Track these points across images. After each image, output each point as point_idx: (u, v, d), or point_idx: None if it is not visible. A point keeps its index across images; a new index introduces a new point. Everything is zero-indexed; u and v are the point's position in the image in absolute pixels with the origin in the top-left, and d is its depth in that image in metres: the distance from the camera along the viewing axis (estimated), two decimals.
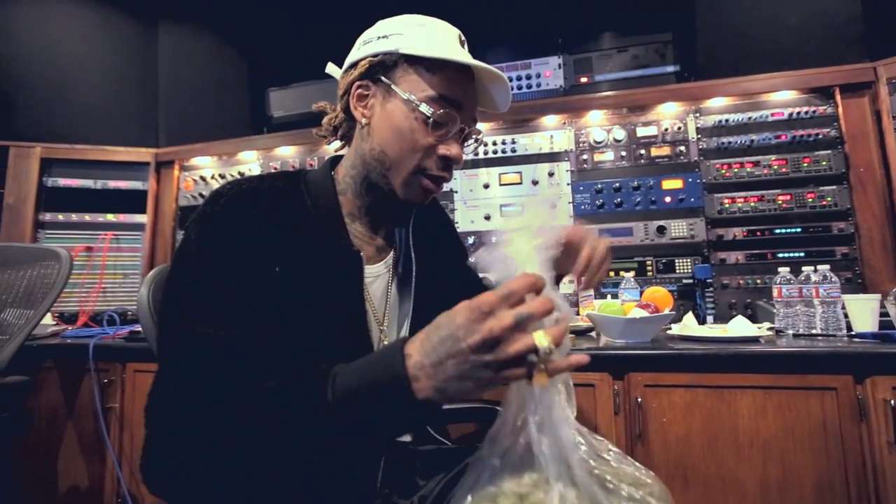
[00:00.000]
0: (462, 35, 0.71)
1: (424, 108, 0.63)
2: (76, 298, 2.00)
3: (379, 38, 0.67)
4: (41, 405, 1.54)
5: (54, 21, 2.19)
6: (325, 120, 0.76)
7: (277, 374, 0.50)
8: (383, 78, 0.66)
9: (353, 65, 0.69)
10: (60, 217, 2.09)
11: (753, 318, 1.50)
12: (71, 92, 2.19)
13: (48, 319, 1.80)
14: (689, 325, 1.23)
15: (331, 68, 0.75)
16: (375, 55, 0.66)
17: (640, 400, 1.08)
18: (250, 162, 2.16)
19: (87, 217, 2.11)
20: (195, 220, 0.60)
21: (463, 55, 0.66)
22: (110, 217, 2.13)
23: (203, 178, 2.19)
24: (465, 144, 0.70)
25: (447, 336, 0.44)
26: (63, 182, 2.11)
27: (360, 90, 0.68)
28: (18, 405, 1.22)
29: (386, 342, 0.68)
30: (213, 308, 0.54)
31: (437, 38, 0.66)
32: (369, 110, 0.68)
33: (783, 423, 1.02)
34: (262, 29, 2.39)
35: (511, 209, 1.86)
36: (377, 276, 0.71)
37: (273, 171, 1.95)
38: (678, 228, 1.72)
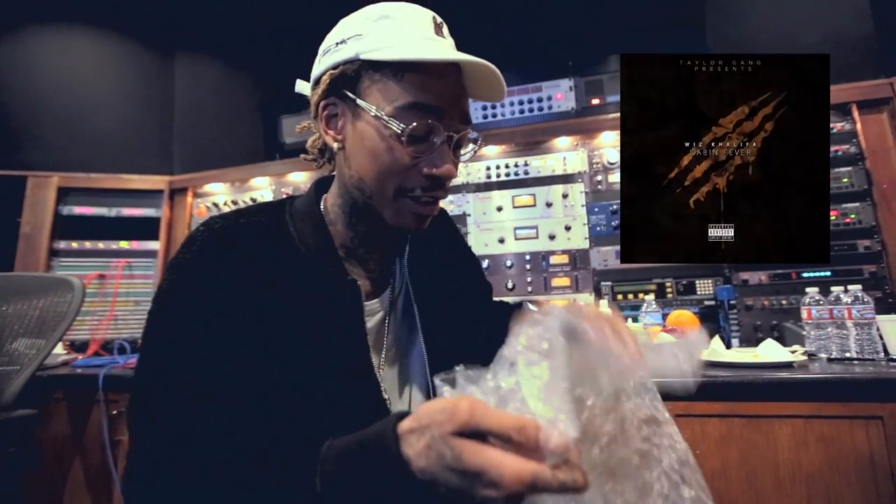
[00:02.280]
0: (438, 17, 0.59)
1: (394, 123, 0.53)
2: (87, 326, 1.98)
3: (337, 44, 0.57)
4: (49, 437, 1.51)
5: (72, 52, 2.25)
6: (309, 143, 0.67)
7: (261, 457, 0.44)
8: (348, 93, 0.56)
9: (317, 81, 0.59)
10: (74, 245, 2.10)
11: (781, 341, 1.44)
12: (88, 121, 2.23)
13: (59, 349, 1.79)
14: (717, 350, 1.18)
15: (300, 86, 0.65)
16: (335, 67, 0.56)
17: None
18: (263, 188, 2.17)
19: (101, 244, 2.12)
20: (168, 269, 0.53)
21: (436, 47, 0.55)
22: (123, 244, 2.14)
23: (216, 205, 2.20)
24: (462, 152, 0.60)
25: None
26: (78, 210, 2.13)
27: (327, 111, 0.59)
28: (26, 440, 1.19)
29: (383, 386, 0.59)
30: (190, 375, 0.47)
31: (404, 32, 0.55)
32: (341, 133, 0.58)
33: (826, 456, 0.96)
34: (274, 57, 2.44)
35: (524, 231, 1.83)
36: (374, 314, 0.63)
37: (277, 197, 1.95)
38: None
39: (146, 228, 2.18)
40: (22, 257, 2.01)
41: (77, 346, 1.93)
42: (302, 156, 0.68)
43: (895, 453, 0.94)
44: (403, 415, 0.39)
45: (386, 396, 0.59)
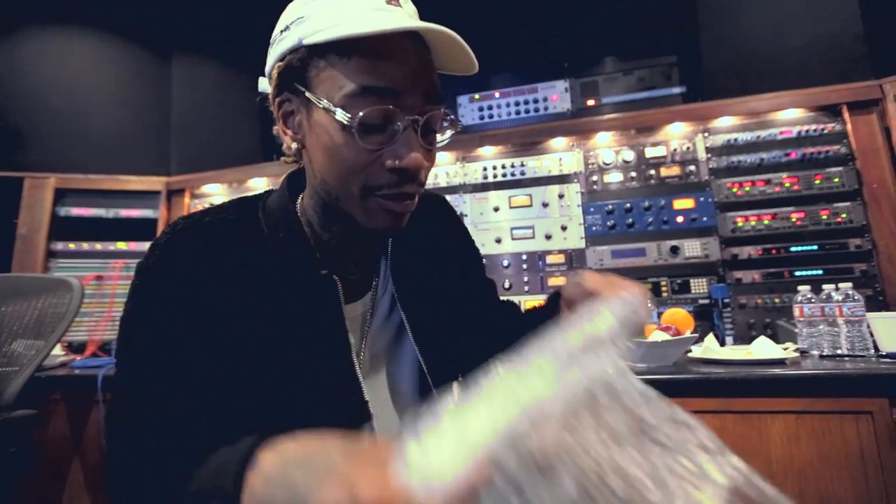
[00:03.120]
0: None
1: (342, 114, 0.46)
2: (85, 327, 1.98)
3: (282, 31, 0.51)
4: (48, 438, 1.51)
5: (69, 53, 2.25)
6: (284, 144, 0.59)
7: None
8: (297, 86, 0.50)
9: (270, 76, 0.54)
10: (72, 246, 2.10)
11: (775, 339, 1.46)
12: (85, 123, 2.23)
13: (57, 350, 1.78)
14: (711, 348, 1.20)
15: (262, 84, 0.59)
16: (282, 58, 0.51)
17: None
18: (260, 189, 2.17)
19: (99, 246, 2.12)
20: (135, 274, 0.50)
21: (384, 18, 0.48)
22: (121, 245, 2.14)
23: (213, 205, 2.20)
24: (439, 137, 0.52)
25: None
26: (75, 211, 2.13)
27: (282, 108, 0.53)
28: (26, 440, 1.19)
29: (366, 391, 0.54)
30: (153, 384, 0.46)
31: (348, 6, 0.48)
32: (298, 131, 0.52)
33: (818, 450, 0.98)
34: (265, 69, 2.45)
35: (521, 231, 1.85)
36: (355, 317, 0.58)
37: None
38: (692, 248, 1.70)
39: (144, 229, 2.18)
40: (19, 259, 2.01)
41: (75, 348, 1.93)
42: (282, 158, 0.60)
43: (885, 447, 0.96)
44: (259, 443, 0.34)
45: (367, 399, 0.54)
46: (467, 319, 0.67)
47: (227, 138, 2.34)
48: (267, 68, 0.54)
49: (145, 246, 1.98)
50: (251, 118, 2.38)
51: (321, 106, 0.48)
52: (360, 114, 0.46)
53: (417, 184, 0.50)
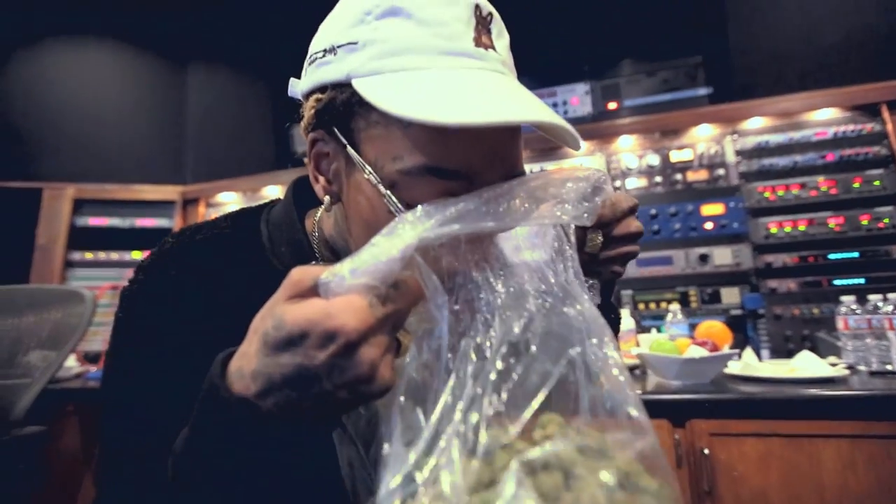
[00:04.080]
0: (483, 4, 0.39)
1: (390, 198, 0.37)
2: (101, 338, 1.97)
3: (326, 52, 0.40)
4: (59, 452, 1.49)
5: (86, 64, 2.28)
6: (315, 188, 0.47)
7: None
8: (338, 132, 0.40)
9: (306, 97, 0.44)
10: (89, 256, 2.10)
11: (816, 353, 1.37)
12: (102, 133, 2.25)
13: (71, 360, 1.78)
14: (750, 364, 1.12)
15: (293, 87, 0.47)
16: (322, 89, 0.40)
17: (706, 451, 0.97)
18: (274, 197, 2.16)
19: (115, 255, 2.12)
20: (119, 302, 0.45)
21: (470, 79, 0.36)
22: (136, 255, 2.14)
23: None
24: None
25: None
26: (92, 221, 2.14)
27: (316, 147, 0.43)
28: (35, 458, 1.16)
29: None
30: (130, 419, 0.42)
31: (423, 42, 0.37)
32: (334, 181, 0.43)
33: (876, 478, 0.90)
34: (286, 67, 2.45)
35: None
36: None
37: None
38: (722, 256, 1.62)
39: (159, 239, 2.16)
40: (38, 269, 2.02)
41: (91, 358, 1.92)
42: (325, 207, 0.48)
43: None
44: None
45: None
46: None
47: (241, 147, 2.34)
48: (301, 86, 0.44)
49: None
50: (266, 126, 2.37)
51: (365, 176, 0.38)
52: (419, 201, 0.34)
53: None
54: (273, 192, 2.16)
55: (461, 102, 0.34)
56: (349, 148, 0.39)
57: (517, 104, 0.36)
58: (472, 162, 0.37)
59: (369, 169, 0.38)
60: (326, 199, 0.43)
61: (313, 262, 0.46)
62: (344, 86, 0.38)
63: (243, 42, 2.38)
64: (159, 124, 2.34)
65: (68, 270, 2.07)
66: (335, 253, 0.48)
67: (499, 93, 0.36)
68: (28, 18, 2.22)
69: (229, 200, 2.22)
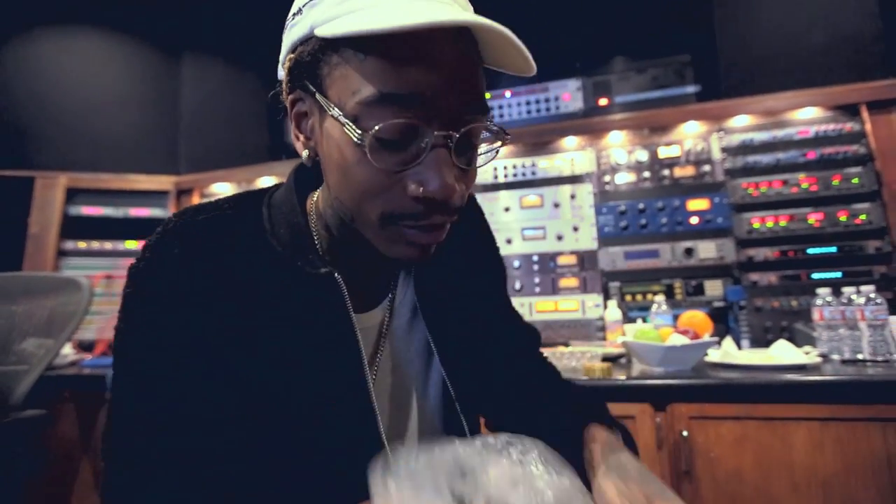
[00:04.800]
0: None
1: (351, 127, 0.38)
2: (95, 326, 1.98)
3: (294, 15, 0.43)
4: (56, 438, 1.51)
5: (79, 53, 2.26)
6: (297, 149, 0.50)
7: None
8: (309, 84, 0.42)
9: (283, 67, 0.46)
10: (82, 245, 2.10)
11: (792, 342, 1.43)
12: (95, 122, 2.24)
13: (67, 348, 1.79)
14: (729, 352, 1.17)
15: (281, 73, 0.48)
16: (293, 48, 0.43)
17: (685, 433, 1.02)
18: None
19: (108, 245, 2.12)
20: (127, 276, 0.46)
21: (412, 5, 0.38)
22: (130, 245, 2.14)
23: None
24: (479, 153, 0.44)
25: None
26: (86, 211, 2.14)
27: (295, 108, 0.45)
28: (34, 441, 1.18)
29: (380, 416, 0.48)
30: (139, 406, 0.43)
31: None
32: (312, 136, 0.44)
33: (843, 459, 0.95)
34: (280, 57, 2.45)
35: (532, 232, 1.83)
36: (370, 327, 0.52)
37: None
38: (706, 250, 1.67)
39: (153, 228, 2.16)
40: (30, 258, 2.01)
41: (85, 346, 1.93)
42: (303, 160, 0.49)
43: None
44: None
45: (379, 422, 0.48)
46: (489, 336, 0.60)
47: (236, 137, 2.34)
48: (280, 57, 0.46)
49: None
50: (260, 117, 2.38)
51: (331, 113, 0.40)
52: (376, 128, 0.37)
53: (450, 212, 0.41)
54: (267, 182, 2.16)
55: (401, 16, 0.35)
56: (317, 94, 0.41)
57: (447, 13, 0.37)
58: (424, 87, 0.37)
59: (332, 106, 0.39)
60: (305, 153, 0.45)
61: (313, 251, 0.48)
62: (309, 39, 0.41)
63: (237, 33, 2.38)
64: (153, 114, 2.33)
65: (61, 259, 2.07)
66: (329, 230, 0.49)
67: (437, 12, 0.37)
68: (21, 7, 2.20)
69: (223, 191, 2.23)
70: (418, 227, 0.41)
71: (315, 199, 0.51)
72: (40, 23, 2.23)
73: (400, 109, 0.37)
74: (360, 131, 0.38)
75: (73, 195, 2.12)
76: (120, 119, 2.27)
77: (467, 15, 0.37)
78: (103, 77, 2.28)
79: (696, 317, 1.22)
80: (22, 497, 1.24)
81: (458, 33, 0.39)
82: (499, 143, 0.44)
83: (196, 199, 2.23)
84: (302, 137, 0.45)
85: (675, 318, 1.37)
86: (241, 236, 0.46)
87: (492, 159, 0.45)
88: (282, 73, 0.48)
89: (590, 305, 1.73)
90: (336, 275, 0.46)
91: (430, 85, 0.37)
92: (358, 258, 0.49)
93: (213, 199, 0.51)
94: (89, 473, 1.50)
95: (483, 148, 0.44)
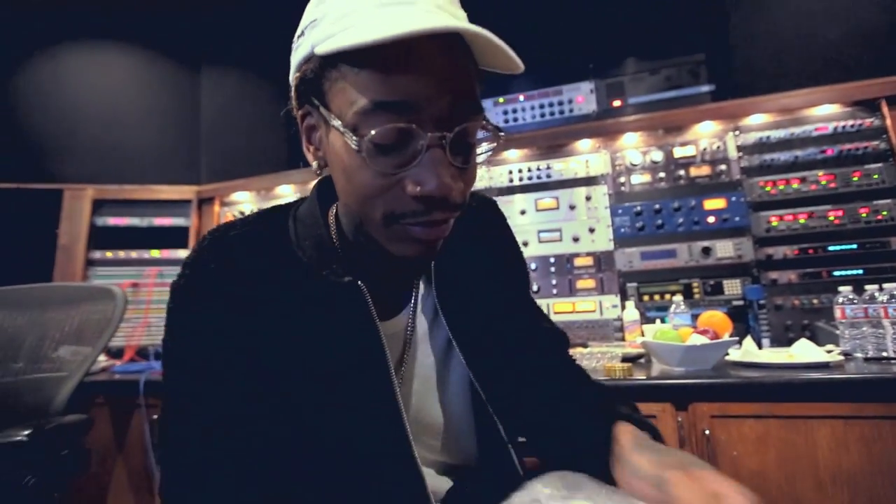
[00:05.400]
0: None
1: (349, 135, 0.42)
2: (123, 333, 2.05)
3: (298, 37, 0.47)
4: (93, 441, 1.56)
5: (102, 67, 2.34)
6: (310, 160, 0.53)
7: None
8: (314, 99, 0.46)
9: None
10: (109, 255, 2.17)
11: (814, 341, 1.42)
12: (120, 134, 2.32)
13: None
14: (750, 351, 1.18)
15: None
16: (299, 67, 0.47)
17: (707, 432, 1.03)
18: (287, 196, 2.22)
19: (134, 254, 2.19)
20: (170, 293, 0.50)
21: (393, 17, 0.40)
22: (155, 253, 2.21)
23: (242, 213, 2.25)
24: (478, 151, 0.46)
25: None
26: (112, 221, 2.21)
27: (305, 122, 0.49)
28: (78, 443, 1.24)
29: (407, 420, 0.50)
30: (190, 418, 0.46)
31: (358, 4, 0.42)
32: (320, 148, 0.48)
33: (868, 457, 0.95)
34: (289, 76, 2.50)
35: (548, 234, 1.84)
36: (395, 334, 0.54)
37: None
38: (724, 249, 1.67)
39: (176, 237, 2.24)
40: (60, 268, 2.09)
41: (114, 353, 2.00)
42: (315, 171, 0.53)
43: None
44: None
45: (406, 425, 0.49)
46: (515, 337, 0.61)
47: (254, 147, 2.40)
48: (290, 76, 0.50)
49: (178, 253, 2.05)
50: (277, 126, 2.43)
51: (333, 125, 0.43)
52: (372, 133, 0.40)
53: (450, 208, 0.43)
54: (285, 191, 2.22)
55: (382, 28, 0.38)
56: (321, 108, 0.45)
57: (430, 21, 0.39)
58: (414, 93, 0.40)
59: (334, 117, 0.43)
60: (315, 163, 0.49)
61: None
62: (311, 57, 0.45)
63: (255, 44, 2.44)
64: (174, 126, 2.40)
65: (89, 269, 2.14)
66: (347, 239, 0.51)
67: (416, 20, 0.39)
68: (45, 22, 2.29)
69: (243, 199, 2.29)
70: (420, 224, 0.43)
71: (335, 210, 0.53)
72: (65, 38, 2.32)
73: (393, 116, 0.40)
74: (357, 138, 0.41)
75: (99, 206, 2.19)
76: (143, 131, 2.35)
77: (446, 21, 0.40)
78: (126, 90, 2.36)
79: (715, 316, 1.22)
80: (68, 497, 1.30)
81: (448, 39, 0.41)
82: (493, 144, 0.47)
83: (216, 208, 2.29)
84: (312, 149, 0.49)
85: (694, 317, 1.38)
86: (269, 250, 0.49)
87: (490, 156, 0.49)
88: (292, 91, 0.51)
89: (607, 306, 1.74)
90: (360, 283, 0.49)
91: (420, 90, 0.40)
92: (377, 264, 0.50)
93: (242, 215, 0.56)
94: (124, 474, 1.55)
95: (483, 147, 0.46)
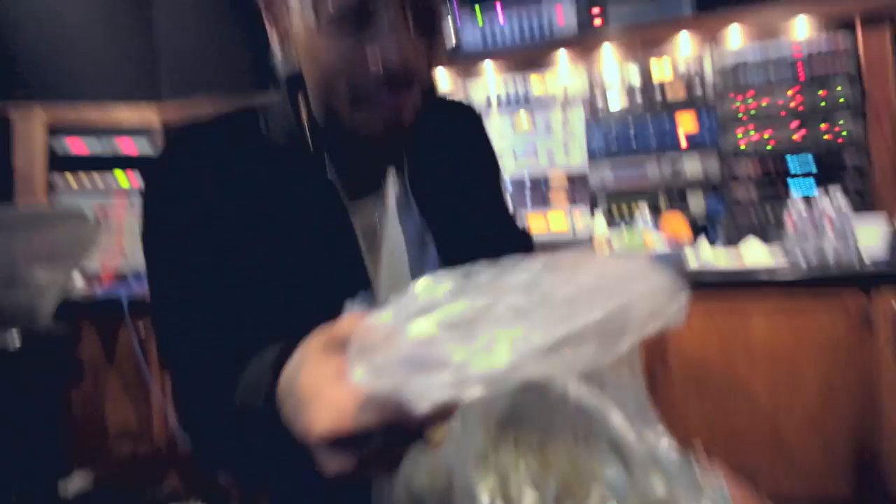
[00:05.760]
0: None
1: (307, 9, 0.40)
2: (96, 258, 2.02)
3: None
4: (83, 357, 1.61)
5: None
6: (271, 39, 0.51)
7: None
8: None
9: None
10: (72, 180, 2.08)
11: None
12: (68, 47, 2.13)
13: (79, 281, 1.84)
14: (704, 253, 1.28)
15: None
16: None
17: None
18: None
19: (99, 180, 2.10)
20: (143, 181, 0.49)
21: None
22: (123, 182, 2.12)
23: None
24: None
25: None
26: (69, 143, 2.08)
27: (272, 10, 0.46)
28: (70, 353, 1.28)
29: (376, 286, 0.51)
30: (179, 287, 0.47)
31: None
32: (281, 20, 0.45)
33: (794, 337, 1.10)
34: None
35: (524, 151, 1.87)
36: (363, 214, 0.53)
37: None
38: (692, 166, 1.74)
39: (141, 162, 2.15)
40: (21, 195, 2.00)
41: (90, 278, 1.98)
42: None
43: (853, 332, 1.07)
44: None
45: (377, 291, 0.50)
46: (487, 227, 0.61)
47: (215, 58, 2.24)
48: None
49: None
50: (240, 37, 2.26)
51: (290, 5, 0.40)
52: (328, 3, 0.37)
53: (410, 76, 0.41)
54: None
55: None
56: None
57: None
58: None
59: None
60: (274, 34, 0.47)
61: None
62: None
63: None
64: (128, 37, 2.21)
65: (52, 195, 2.06)
66: (317, 123, 0.51)
67: None
68: None
69: None
70: (384, 92, 0.42)
71: (307, 105, 0.52)
72: None
73: None
74: (317, 8, 0.40)
75: (55, 132, 2.06)
76: (94, 43, 2.16)
77: None
78: (73, 2, 2.13)
79: (674, 217, 1.31)
80: (66, 403, 1.37)
81: None
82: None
83: None
84: (272, 21, 0.47)
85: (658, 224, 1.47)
86: (240, 136, 0.49)
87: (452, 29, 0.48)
88: None
89: (579, 221, 1.81)
90: (327, 164, 0.49)
91: None
92: (346, 147, 0.50)
93: (207, 117, 0.52)
94: (118, 386, 1.63)
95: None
